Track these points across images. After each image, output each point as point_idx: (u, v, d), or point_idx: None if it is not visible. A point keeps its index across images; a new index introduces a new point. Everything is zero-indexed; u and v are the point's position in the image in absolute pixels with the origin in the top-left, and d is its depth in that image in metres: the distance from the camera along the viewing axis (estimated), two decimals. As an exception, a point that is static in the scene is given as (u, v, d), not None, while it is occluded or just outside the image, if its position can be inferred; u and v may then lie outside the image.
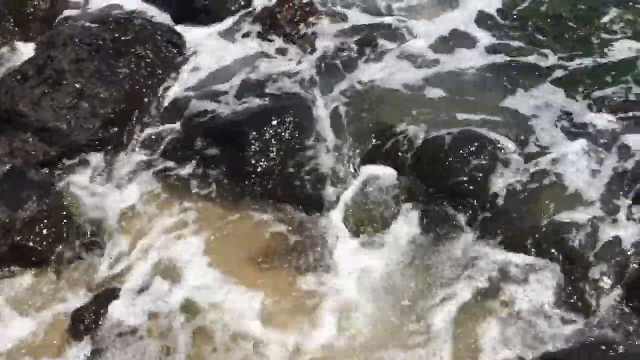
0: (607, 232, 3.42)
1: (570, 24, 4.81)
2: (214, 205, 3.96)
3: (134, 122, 4.43)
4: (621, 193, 3.59)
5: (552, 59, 4.54)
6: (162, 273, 3.64)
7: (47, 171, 4.16)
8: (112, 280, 3.67)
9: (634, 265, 3.29)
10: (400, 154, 3.99)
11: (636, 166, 3.68)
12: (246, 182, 3.99)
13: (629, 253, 3.33)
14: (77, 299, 3.61)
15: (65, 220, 3.84)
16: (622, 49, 4.55)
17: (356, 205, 3.87)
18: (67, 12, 5.26)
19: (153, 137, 4.36)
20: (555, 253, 3.40)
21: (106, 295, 3.55)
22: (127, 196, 4.05)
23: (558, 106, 4.17)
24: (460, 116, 4.11)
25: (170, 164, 4.19)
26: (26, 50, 4.98)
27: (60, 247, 3.77)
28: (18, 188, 3.88)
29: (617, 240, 3.38)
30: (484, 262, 3.48)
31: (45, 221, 3.78)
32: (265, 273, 3.60)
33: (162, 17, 5.19)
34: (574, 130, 4.00)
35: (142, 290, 3.57)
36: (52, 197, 3.89)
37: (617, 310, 3.19)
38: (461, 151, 3.85)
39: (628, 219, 3.48)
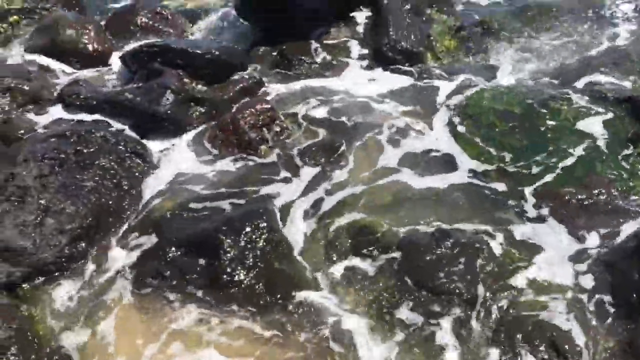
0: (589, 321, 3.53)
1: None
2: (193, 315, 3.81)
3: (102, 236, 4.31)
4: (598, 285, 3.72)
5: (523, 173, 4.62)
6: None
7: (12, 294, 3.92)
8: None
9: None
10: (379, 252, 4.02)
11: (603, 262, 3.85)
12: (225, 291, 3.89)
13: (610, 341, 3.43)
14: None
15: (35, 346, 3.62)
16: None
17: (338, 304, 3.81)
18: (23, 128, 5.16)
19: (124, 250, 4.23)
20: (535, 346, 3.45)
21: None
22: (100, 314, 3.85)
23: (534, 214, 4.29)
24: (436, 220, 4.22)
25: (144, 276, 4.04)
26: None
27: (32, 375, 3.53)
28: (-19, 315, 3.65)
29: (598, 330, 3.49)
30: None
31: (13, 348, 3.54)
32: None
33: (124, 128, 5.17)
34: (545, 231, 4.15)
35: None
36: (19, 321, 3.68)
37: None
38: (440, 248, 3.93)
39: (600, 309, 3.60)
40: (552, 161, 4.60)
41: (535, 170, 4.57)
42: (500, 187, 4.48)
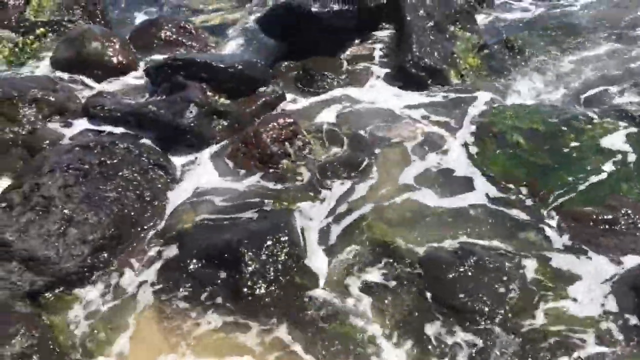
0: (614, 342, 3.47)
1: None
2: (214, 327, 3.80)
3: (125, 247, 4.32)
4: (625, 306, 3.67)
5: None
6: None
7: (34, 302, 3.93)
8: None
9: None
10: (401, 268, 3.99)
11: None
12: (246, 304, 3.87)
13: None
14: None
15: (56, 355, 3.62)
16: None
17: (360, 320, 3.77)
18: (48, 139, 5.21)
19: (145, 261, 4.23)
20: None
21: None
22: (121, 325, 3.85)
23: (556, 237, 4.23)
24: (458, 237, 4.19)
25: (165, 287, 4.04)
26: (6, 177, 4.90)
27: (53, 384, 3.53)
28: (4, 322, 3.65)
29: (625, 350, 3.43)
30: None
31: (34, 357, 3.54)
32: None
33: (147, 141, 5.19)
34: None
35: None
36: (41, 330, 3.69)
37: None
38: (463, 266, 3.90)
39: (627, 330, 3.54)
40: (577, 181, 4.55)
41: (559, 189, 4.52)
42: (524, 206, 4.44)
